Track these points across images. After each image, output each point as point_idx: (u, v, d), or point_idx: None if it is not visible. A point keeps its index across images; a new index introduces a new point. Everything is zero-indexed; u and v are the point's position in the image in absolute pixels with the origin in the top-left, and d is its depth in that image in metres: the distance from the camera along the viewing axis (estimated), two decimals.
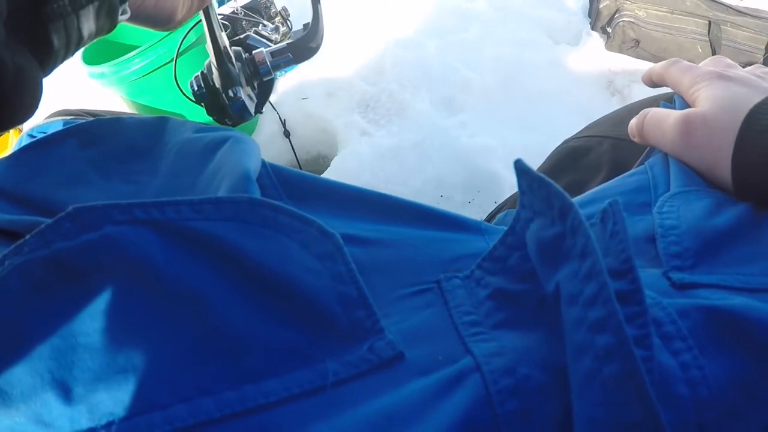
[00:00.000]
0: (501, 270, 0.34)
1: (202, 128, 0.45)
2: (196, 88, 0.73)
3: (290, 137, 1.65)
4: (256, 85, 0.76)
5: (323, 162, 1.67)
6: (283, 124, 1.66)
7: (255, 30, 0.82)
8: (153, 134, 0.45)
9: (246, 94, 0.72)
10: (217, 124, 0.45)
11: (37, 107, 0.33)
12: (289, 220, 0.33)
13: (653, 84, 0.55)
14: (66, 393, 0.26)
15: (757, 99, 0.41)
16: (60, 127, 0.49)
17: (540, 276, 0.31)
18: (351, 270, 0.32)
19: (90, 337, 0.28)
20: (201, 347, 0.28)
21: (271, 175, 0.41)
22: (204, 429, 0.26)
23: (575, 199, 0.29)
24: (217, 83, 0.71)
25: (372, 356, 0.30)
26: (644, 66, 1.85)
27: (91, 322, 0.28)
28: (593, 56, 1.93)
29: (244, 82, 0.72)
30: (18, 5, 0.29)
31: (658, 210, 0.40)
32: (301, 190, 0.40)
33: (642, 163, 0.49)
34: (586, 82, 1.85)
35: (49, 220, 0.30)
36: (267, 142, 1.67)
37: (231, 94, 0.69)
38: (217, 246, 0.31)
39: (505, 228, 0.35)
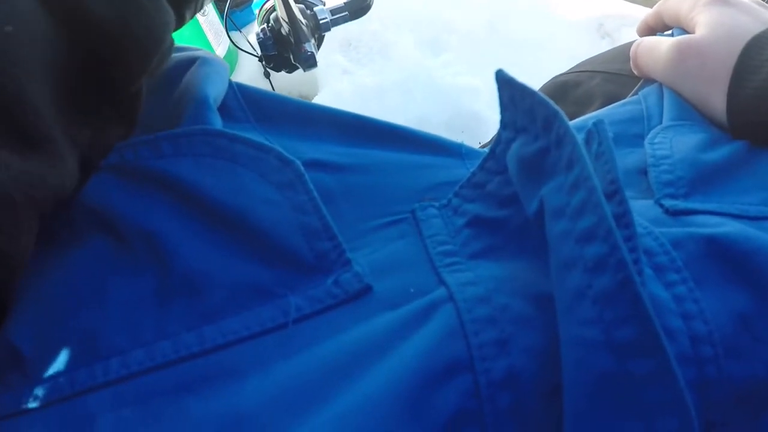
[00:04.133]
0: (480, 197, 0.31)
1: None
2: (263, 37, 0.85)
3: (270, 78, 1.62)
4: (316, 37, 0.84)
5: None
6: (264, 65, 1.62)
7: None
8: None
9: (312, 47, 0.82)
10: (184, 45, 0.42)
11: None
12: (245, 148, 0.31)
13: (650, 29, 0.52)
14: None
15: (757, 29, 0.38)
16: None
17: (522, 197, 0.28)
18: (313, 199, 0.30)
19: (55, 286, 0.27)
20: (160, 290, 0.27)
21: (238, 96, 0.39)
22: (160, 371, 0.25)
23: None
24: (285, 33, 0.82)
25: (337, 290, 0.28)
26: (635, 9, 1.81)
27: (53, 271, 0.28)
28: None
29: (309, 35, 0.81)
30: None
31: (650, 141, 0.38)
32: (270, 111, 0.38)
33: (636, 94, 0.47)
34: (574, 24, 1.81)
35: None
36: (247, 83, 1.62)
37: (305, 48, 0.79)
38: (174, 184, 0.30)
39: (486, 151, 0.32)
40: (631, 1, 1.87)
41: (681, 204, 0.32)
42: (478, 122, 1.43)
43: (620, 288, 0.21)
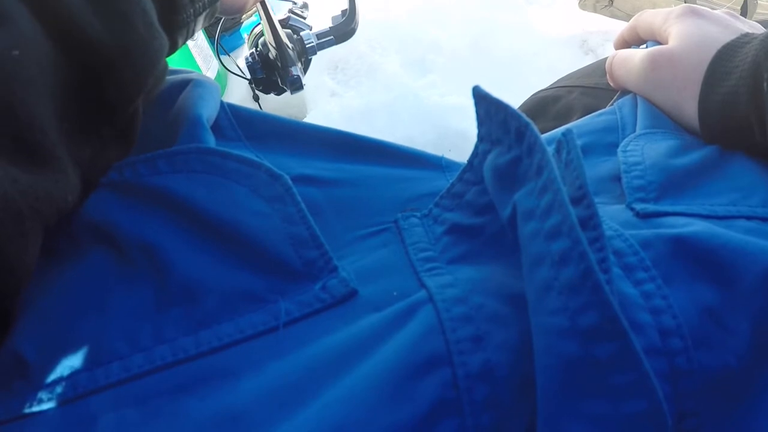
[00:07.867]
0: (458, 206, 0.33)
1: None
2: (251, 61, 0.87)
3: (259, 101, 1.63)
4: (302, 61, 0.86)
5: None
6: (252, 88, 1.63)
7: (290, 9, 0.90)
8: None
9: (298, 70, 0.83)
10: (177, 67, 0.44)
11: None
12: (237, 165, 0.33)
13: (626, 43, 0.53)
14: None
15: (727, 38, 0.40)
16: None
17: (497, 204, 0.30)
18: (301, 210, 0.32)
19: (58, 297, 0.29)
20: (159, 298, 0.29)
21: (229, 115, 0.40)
22: (159, 373, 0.26)
23: (542, 136, 0.28)
24: (272, 57, 0.84)
25: (325, 295, 0.29)
26: (618, 25, 1.82)
27: (56, 282, 0.29)
28: (566, 16, 1.91)
29: (296, 59, 0.83)
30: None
31: (623, 149, 0.39)
32: (260, 130, 0.40)
33: (612, 105, 0.48)
34: (558, 41, 1.82)
35: None
36: None
37: (291, 71, 0.81)
38: (170, 199, 0.31)
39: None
40: (613, 18, 1.89)
41: (651, 207, 0.34)
42: (465, 140, 1.43)
43: (582, 278, 0.23)
